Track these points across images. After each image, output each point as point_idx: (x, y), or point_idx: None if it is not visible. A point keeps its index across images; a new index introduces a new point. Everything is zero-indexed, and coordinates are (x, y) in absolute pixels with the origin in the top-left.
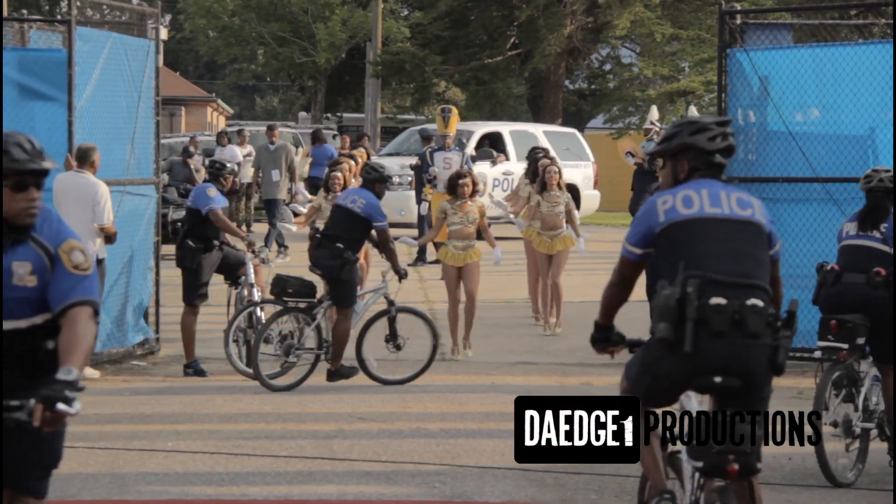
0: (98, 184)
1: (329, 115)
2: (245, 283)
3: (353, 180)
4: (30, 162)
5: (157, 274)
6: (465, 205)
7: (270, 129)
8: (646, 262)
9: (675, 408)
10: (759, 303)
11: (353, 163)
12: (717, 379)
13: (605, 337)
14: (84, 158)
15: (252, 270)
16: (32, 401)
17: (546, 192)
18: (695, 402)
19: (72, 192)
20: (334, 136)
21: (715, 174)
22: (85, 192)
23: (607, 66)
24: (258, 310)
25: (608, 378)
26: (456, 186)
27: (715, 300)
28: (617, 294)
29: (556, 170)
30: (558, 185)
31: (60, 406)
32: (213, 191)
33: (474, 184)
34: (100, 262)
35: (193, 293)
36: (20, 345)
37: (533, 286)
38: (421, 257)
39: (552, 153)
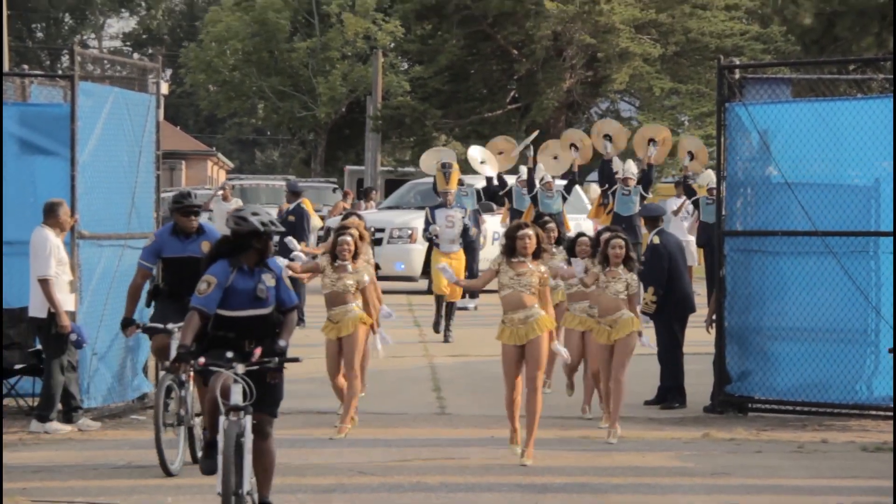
0: (43, 236)
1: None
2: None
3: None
4: None
5: None
6: (522, 265)
7: None
8: None
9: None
10: None
11: (362, 225)
12: None
13: None
14: (48, 213)
15: (174, 347)
16: None
17: (608, 269)
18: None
19: (30, 248)
20: (334, 190)
21: None
22: (34, 244)
23: None
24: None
25: (606, 432)
26: (514, 241)
27: None
28: None
29: (622, 243)
30: (625, 261)
31: None
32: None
33: (539, 240)
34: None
35: None
36: None
37: (570, 373)
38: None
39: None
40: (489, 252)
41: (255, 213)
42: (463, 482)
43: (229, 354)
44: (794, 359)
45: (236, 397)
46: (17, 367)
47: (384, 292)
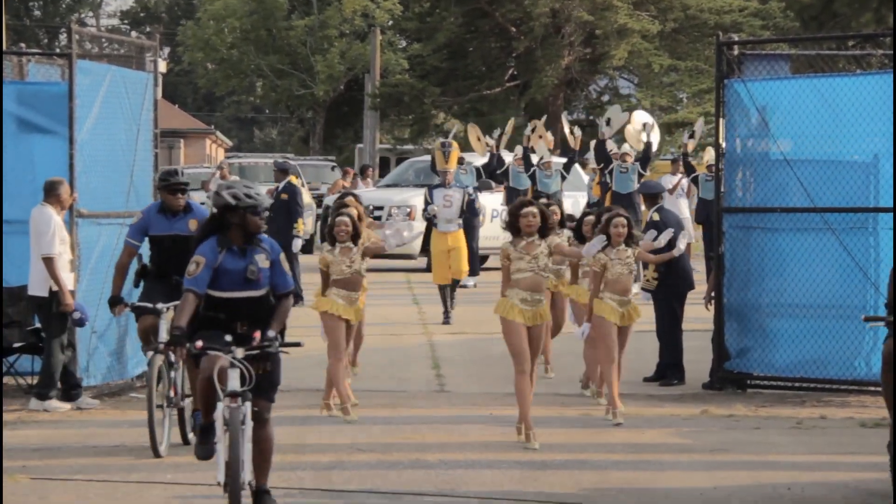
0: (46, 214)
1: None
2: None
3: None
4: None
5: None
6: (533, 245)
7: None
8: None
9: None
10: None
11: (360, 205)
12: None
13: None
14: (49, 191)
15: (163, 328)
16: None
17: (612, 249)
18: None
19: (31, 226)
20: (333, 168)
21: None
22: (37, 223)
23: (605, 97)
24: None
25: (610, 412)
26: (517, 219)
27: None
28: None
29: (624, 222)
30: (627, 239)
31: None
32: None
33: (544, 217)
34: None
35: None
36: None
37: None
38: None
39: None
40: (488, 230)
41: (229, 188)
42: (462, 459)
43: (228, 338)
44: (793, 335)
45: (234, 382)
46: (17, 345)
47: (383, 270)
